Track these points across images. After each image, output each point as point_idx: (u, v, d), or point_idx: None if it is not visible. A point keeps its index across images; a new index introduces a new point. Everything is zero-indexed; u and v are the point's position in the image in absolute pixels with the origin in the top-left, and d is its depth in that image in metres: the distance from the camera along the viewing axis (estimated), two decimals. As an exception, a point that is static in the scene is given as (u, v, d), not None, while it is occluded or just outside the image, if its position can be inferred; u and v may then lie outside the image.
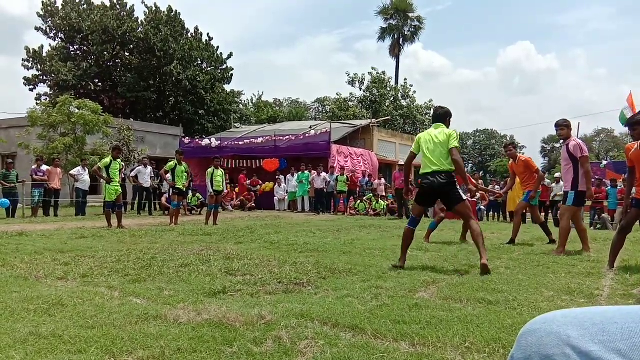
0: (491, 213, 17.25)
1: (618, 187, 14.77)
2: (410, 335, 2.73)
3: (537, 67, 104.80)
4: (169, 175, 11.74)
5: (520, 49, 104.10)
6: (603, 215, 14.54)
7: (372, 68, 44.01)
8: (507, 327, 2.87)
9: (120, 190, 10.78)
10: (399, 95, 42.97)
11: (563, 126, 6.65)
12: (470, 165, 71.53)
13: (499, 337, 2.67)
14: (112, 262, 5.29)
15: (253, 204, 19.35)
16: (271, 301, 3.60)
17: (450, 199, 5.24)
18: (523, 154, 8.93)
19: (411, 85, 43.90)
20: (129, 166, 20.15)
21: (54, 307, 3.30)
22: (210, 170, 11.83)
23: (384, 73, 43.24)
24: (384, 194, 17.78)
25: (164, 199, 16.07)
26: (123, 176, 16.56)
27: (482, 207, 16.38)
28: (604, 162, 22.89)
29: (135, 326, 2.88)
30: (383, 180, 19.07)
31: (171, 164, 11.49)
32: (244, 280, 4.36)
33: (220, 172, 11.83)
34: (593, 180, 16.48)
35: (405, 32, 45.56)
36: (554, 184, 15.64)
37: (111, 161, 10.40)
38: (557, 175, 17.32)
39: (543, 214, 15.64)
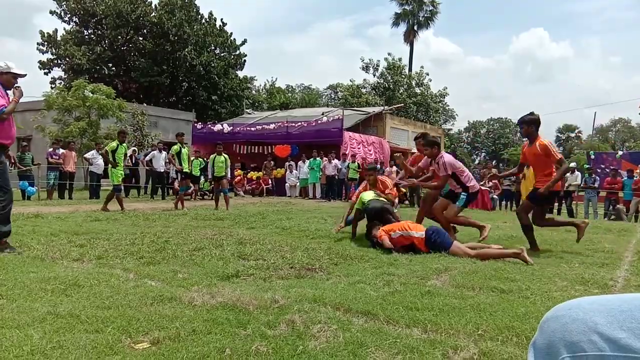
0: (504, 202, 17.12)
1: (634, 178, 14.55)
2: (422, 321, 2.74)
3: (551, 55, 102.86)
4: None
5: (533, 36, 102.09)
6: (618, 206, 14.35)
7: (388, 54, 43.54)
8: (520, 315, 2.87)
9: (123, 174, 10.92)
10: (413, 83, 42.54)
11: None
12: (483, 154, 70.92)
13: (512, 325, 2.66)
14: (127, 245, 5.36)
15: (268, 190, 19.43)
16: (284, 285, 3.62)
17: None
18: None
19: (427, 74, 43.46)
20: (142, 150, 20.28)
21: (70, 288, 3.35)
22: (212, 156, 12.02)
23: (400, 60, 42.81)
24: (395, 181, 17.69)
25: (176, 184, 16.17)
26: (130, 161, 16.77)
27: (495, 197, 16.25)
28: (620, 153, 22.55)
29: (150, 307, 2.92)
30: (395, 168, 18.97)
31: (176, 147, 11.55)
32: (257, 265, 4.39)
33: (222, 158, 11.92)
34: (608, 170, 16.32)
35: (420, 18, 44.96)
36: (568, 174, 15.46)
37: (117, 145, 10.51)
38: (572, 164, 17.11)
39: (557, 203, 15.49)
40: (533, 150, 5.92)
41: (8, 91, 5.06)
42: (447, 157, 6.33)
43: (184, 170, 11.61)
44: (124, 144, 10.75)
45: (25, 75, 5.13)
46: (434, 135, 7.21)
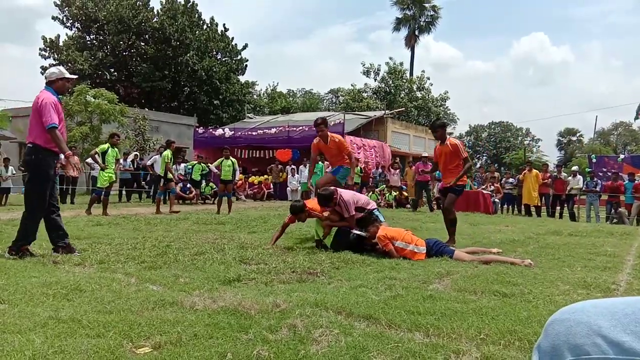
0: (505, 206, 17.11)
1: (636, 181, 14.52)
2: (424, 325, 2.73)
3: (551, 58, 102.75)
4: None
5: (534, 40, 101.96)
6: (620, 209, 14.32)
7: (390, 58, 43.70)
8: (522, 319, 2.86)
9: (114, 178, 10.88)
10: (414, 87, 42.63)
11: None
12: (484, 157, 70.91)
13: (515, 330, 2.65)
14: (128, 249, 5.36)
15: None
16: (285, 290, 3.61)
17: None
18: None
19: (428, 78, 43.58)
20: (145, 155, 20.31)
21: (72, 292, 3.35)
22: (220, 160, 12.11)
23: (401, 64, 42.94)
24: (398, 184, 17.66)
25: (178, 189, 16.17)
26: (133, 165, 16.80)
27: (497, 200, 16.23)
28: (622, 156, 22.53)
29: (152, 312, 2.92)
30: (397, 171, 18.92)
31: (169, 154, 11.62)
32: (258, 269, 4.39)
33: (229, 162, 11.97)
34: (609, 174, 16.31)
35: (421, 23, 45.12)
36: (570, 177, 15.44)
37: (108, 148, 10.49)
38: (574, 168, 17.09)
39: (558, 207, 15.48)
40: (445, 149, 6.92)
41: (61, 96, 5.22)
42: (346, 196, 5.91)
43: (168, 177, 11.76)
44: (116, 149, 10.77)
45: (77, 78, 5.30)
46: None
